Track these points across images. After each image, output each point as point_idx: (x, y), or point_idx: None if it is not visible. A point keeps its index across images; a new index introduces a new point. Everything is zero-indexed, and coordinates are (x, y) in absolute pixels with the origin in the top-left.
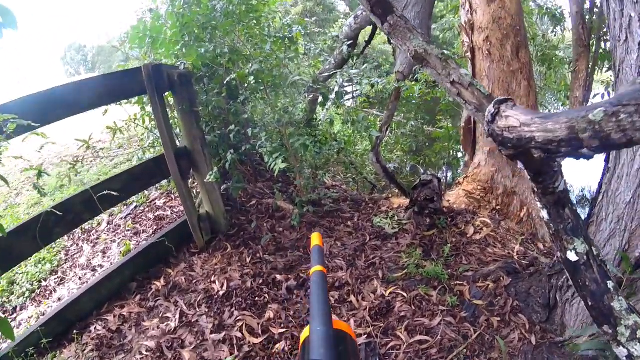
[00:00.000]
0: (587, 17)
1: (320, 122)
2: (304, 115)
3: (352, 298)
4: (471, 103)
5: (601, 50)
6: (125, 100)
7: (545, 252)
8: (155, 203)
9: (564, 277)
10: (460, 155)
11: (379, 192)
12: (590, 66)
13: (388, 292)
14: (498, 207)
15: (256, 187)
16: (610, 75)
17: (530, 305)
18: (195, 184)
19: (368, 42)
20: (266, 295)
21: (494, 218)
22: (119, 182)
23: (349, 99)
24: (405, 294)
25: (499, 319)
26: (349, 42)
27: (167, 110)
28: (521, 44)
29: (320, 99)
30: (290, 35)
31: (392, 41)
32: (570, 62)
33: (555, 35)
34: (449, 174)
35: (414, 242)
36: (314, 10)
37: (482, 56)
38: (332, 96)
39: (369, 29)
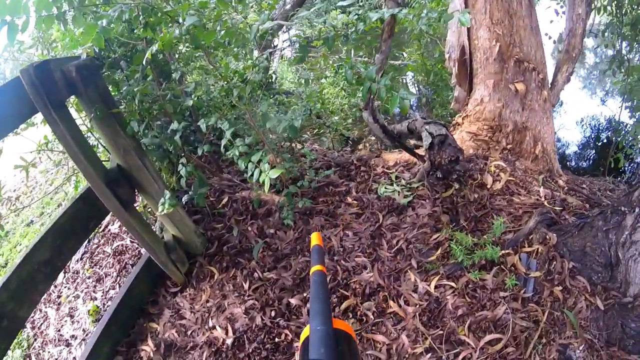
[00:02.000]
0: None
1: (277, 79)
2: (262, 79)
3: (393, 305)
4: None
5: None
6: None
7: (567, 189)
8: (110, 230)
9: (626, 233)
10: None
11: (354, 144)
12: None
13: (432, 285)
14: (509, 146)
15: (222, 180)
16: None
17: (589, 265)
18: (146, 205)
19: None
20: (287, 331)
21: (508, 159)
22: (45, 249)
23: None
24: (454, 284)
25: (560, 288)
26: None
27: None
28: None
29: (293, 52)
30: None
31: None
32: None
33: None
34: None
35: (435, 209)
36: None
37: None
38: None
39: None
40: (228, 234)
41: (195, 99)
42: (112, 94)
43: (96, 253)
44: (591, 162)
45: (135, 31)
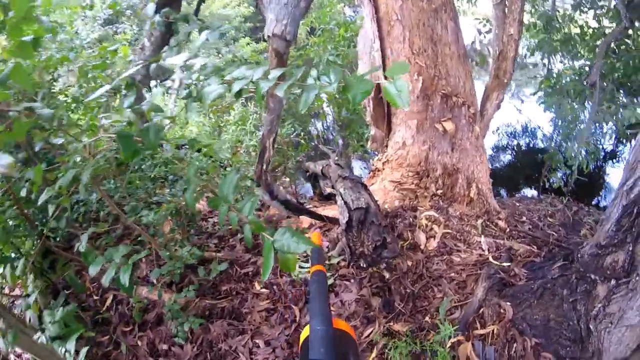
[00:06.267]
0: None
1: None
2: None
3: None
4: None
5: None
6: None
7: (509, 230)
8: None
9: (599, 305)
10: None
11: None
12: None
13: None
14: (440, 192)
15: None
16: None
17: (555, 340)
18: None
19: None
20: None
21: (439, 207)
22: None
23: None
24: None
25: None
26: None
27: None
28: None
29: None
30: None
31: None
32: None
33: None
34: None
35: (363, 293)
36: None
37: None
38: None
39: None
40: (116, 352)
41: None
42: None
43: None
44: (505, 164)
45: None
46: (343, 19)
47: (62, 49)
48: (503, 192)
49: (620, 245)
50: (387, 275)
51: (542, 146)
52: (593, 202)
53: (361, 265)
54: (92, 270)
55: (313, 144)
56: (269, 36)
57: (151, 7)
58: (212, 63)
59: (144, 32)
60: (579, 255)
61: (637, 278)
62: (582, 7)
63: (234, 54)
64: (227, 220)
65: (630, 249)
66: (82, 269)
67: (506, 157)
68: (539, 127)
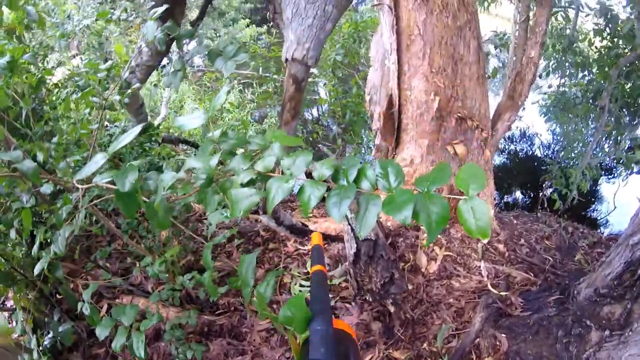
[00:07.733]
0: None
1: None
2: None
3: None
4: None
5: None
6: None
7: (508, 254)
8: None
9: (590, 349)
10: None
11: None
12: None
13: None
14: None
15: (98, 278)
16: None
17: None
18: None
19: None
20: None
21: None
22: None
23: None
24: None
25: None
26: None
27: None
28: None
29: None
30: None
31: None
32: None
33: None
34: None
35: (364, 317)
36: None
37: (411, 4)
38: None
39: None
40: None
41: None
42: None
43: None
44: (500, 166)
45: None
46: (354, 17)
47: (50, 37)
48: (496, 194)
49: (619, 299)
50: (392, 309)
51: (539, 154)
52: (586, 214)
53: (367, 299)
54: (100, 333)
55: (311, 139)
56: (286, 59)
57: (151, 26)
58: (233, 135)
59: (141, 37)
60: (575, 292)
61: (630, 333)
62: (603, 34)
63: (232, 37)
64: None
65: (629, 306)
66: (70, 272)
67: (501, 160)
68: (537, 135)
